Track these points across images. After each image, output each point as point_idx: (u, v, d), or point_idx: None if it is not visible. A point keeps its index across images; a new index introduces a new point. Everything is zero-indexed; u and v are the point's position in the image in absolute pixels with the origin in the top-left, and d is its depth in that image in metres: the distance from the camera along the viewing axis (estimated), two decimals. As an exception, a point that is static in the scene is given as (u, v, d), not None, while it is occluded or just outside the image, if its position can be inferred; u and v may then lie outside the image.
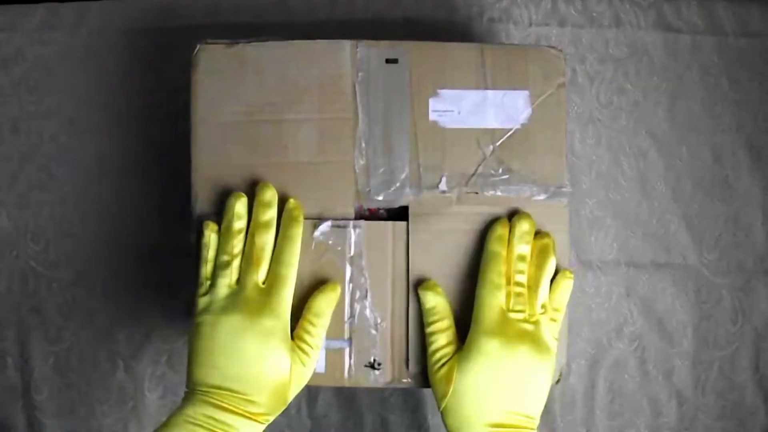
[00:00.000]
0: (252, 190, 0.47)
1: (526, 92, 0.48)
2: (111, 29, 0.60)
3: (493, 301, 0.44)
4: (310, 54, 0.47)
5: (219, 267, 0.44)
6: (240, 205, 0.45)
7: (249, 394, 0.41)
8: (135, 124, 0.59)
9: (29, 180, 0.59)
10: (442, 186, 0.47)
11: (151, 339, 0.59)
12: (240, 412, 0.41)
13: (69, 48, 0.59)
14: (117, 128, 0.59)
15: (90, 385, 0.59)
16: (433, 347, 0.45)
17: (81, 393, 0.58)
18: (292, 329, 0.44)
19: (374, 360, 0.47)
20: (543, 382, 0.44)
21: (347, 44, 0.48)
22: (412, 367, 0.47)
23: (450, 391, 0.43)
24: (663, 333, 0.59)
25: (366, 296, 0.47)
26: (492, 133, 0.48)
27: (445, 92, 0.48)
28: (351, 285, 0.47)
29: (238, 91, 0.47)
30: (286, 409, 0.57)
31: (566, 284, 0.47)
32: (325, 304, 0.46)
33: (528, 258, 0.46)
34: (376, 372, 0.47)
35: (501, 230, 0.46)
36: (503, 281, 0.45)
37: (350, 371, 0.47)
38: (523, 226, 0.46)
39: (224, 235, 0.45)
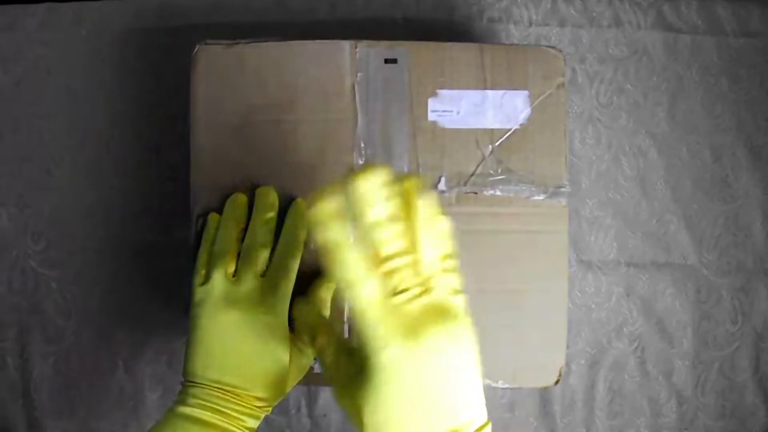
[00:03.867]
0: (251, 190, 0.47)
1: (526, 92, 0.48)
2: (111, 29, 0.60)
3: (363, 299, 0.33)
4: (310, 54, 0.47)
5: (215, 257, 0.44)
6: (241, 202, 0.46)
7: (247, 388, 0.42)
8: (135, 124, 0.59)
9: (29, 180, 0.59)
10: (441, 186, 0.47)
11: (151, 339, 0.59)
12: (238, 403, 0.41)
13: (69, 48, 0.59)
14: (117, 128, 0.59)
15: (90, 385, 0.59)
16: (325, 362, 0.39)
17: (81, 393, 0.59)
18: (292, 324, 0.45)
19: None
20: (469, 363, 0.35)
21: (346, 44, 0.48)
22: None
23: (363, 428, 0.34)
24: (663, 333, 0.59)
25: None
26: (491, 134, 0.48)
27: (444, 92, 0.48)
28: (350, 285, 0.47)
29: (237, 91, 0.47)
30: (286, 409, 0.58)
31: (438, 220, 0.36)
32: (323, 295, 0.46)
33: (385, 219, 0.34)
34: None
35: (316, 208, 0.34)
36: (363, 269, 0.33)
37: (349, 371, 0.47)
38: (360, 188, 0.33)
39: (223, 227, 0.45)
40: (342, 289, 0.33)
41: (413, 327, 0.33)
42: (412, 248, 0.34)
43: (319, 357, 0.40)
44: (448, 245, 0.36)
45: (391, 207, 0.33)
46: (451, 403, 0.34)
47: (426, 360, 0.33)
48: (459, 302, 0.35)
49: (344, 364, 0.37)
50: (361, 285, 0.33)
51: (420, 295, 0.34)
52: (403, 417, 0.33)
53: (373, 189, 0.33)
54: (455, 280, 0.36)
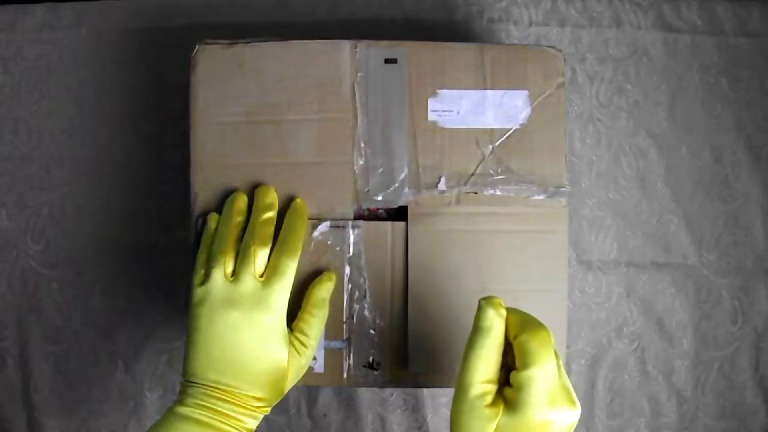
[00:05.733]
0: (251, 190, 0.47)
1: (526, 92, 0.48)
2: (111, 29, 0.60)
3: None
4: (310, 54, 0.47)
5: (214, 257, 0.44)
6: (240, 202, 0.46)
7: (245, 389, 0.42)
8: (135, 124, 0.59)
9: (29, 180, 0.59)
10: (441, 186, 0.47)
11: (151, 339, 0.59)
12: (237, 404, 0.41)
13: (69, 48, 0.60)
14: (117, 128, 0.59)
15: (90, 385, 0.59)
16: (473, 377, 0.38)
17: (81, 393, 0.59)
18: (291, 323, 0.45)
19: (373, 360, 0.47)
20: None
21: (346, 44, 0.48)
22: (411, 367, 0.47)
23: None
24: (663, 333, 0.59)
25: (365, 296, 0.47)
26: (491, 133, 0.48)
27: (444, 92, 0.48)
28: (350, 285, 0.47)
29: (237, 91, 0.47)
30: (286, 409, 0.58)
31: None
32: (321, 294, 0.46)
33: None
34: (375, 372, 0.47)
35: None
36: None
37: (349, 371, 0.47)
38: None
39: (222, 227, 0.45)
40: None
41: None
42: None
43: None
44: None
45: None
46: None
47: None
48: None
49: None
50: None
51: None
52: None
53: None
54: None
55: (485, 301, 0.38)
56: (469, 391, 0.37)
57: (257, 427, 0.43)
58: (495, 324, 0.38)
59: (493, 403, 0.37)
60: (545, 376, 0.36)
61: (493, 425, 0.36)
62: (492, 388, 0.37)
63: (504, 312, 0.38)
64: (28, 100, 0.59)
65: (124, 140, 0.59)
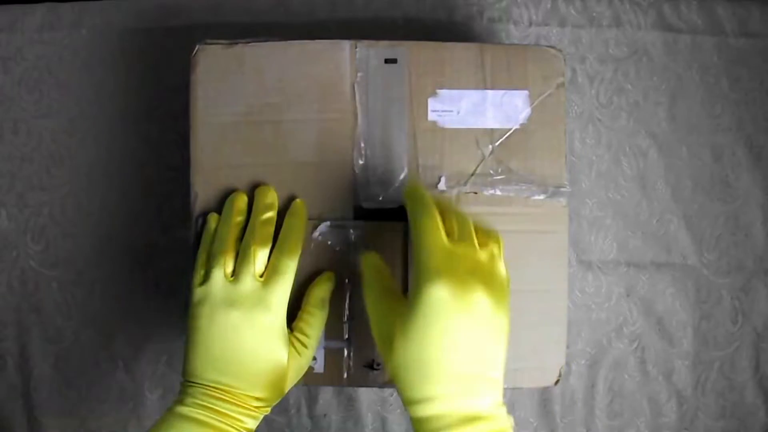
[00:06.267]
0: (251, 190, 0.47)
1: (526, 92, 0.48)
2: (111, 29, 0.60)
3: (435, 239, 0.38)
4: (310, 54, 0.47)
5: (214, 257, 0.44)
6: (240, 202, 0.46)
7: (245, 389, 0.42)
8: (135, 124, 0.59)
9: (29, 180, 0.59)
10: (441, 186, 0.47)
11: (151, 339, 0.59)
12: (236, 404, 0.41)
13: (69, 48, 0.60)
14: (117, 128, 0.59)
15: (90, 385, 0.59)
16: (369, 307, 0.42)
17: (81, 393, 0.59)
18: (291, 324, 0.45)
19: (373, 360, 0.47)
20: (501, 332, 0.39)
21: (346, 44, 0.48)
22: (412, 367, 0.47)
23: (392, 357, 0.38)
24: (663, 333, 0.59)
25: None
26: (491, 133, 0.48)
27: (444, 92, 0.48)
28: (350, 285, 0.47)
29: (237, 91, 0.47)
30: (286, 409, 0.58)
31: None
32: (321, 294, 0.46)
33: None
34: (375, 372, 0.47)
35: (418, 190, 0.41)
36: (438, 219, 0.39)
37: (349, 371, 0.47)
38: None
39: (222, 227, 0.45)
40: (417, 231, 0.39)
41: (465, 279, 0.37)
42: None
43: (366, 295, 0.42)
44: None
45: None
46: (480, 355, 0.37)
47: (468, 309, 0.37)
48: (507, 279, 0.40)
49: (389, 302, 0.41)
50: (436, 229, 0.39)
51: (481, 250, 0.39)
52: (432, 348, 0.37)
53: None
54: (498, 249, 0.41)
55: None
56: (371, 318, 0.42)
57: (257, 427, 0.43)
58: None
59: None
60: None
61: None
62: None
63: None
64: (28, 100, 0.59)
65: (124, 140, 0.59)
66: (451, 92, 0.48)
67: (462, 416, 0.36)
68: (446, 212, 0.41)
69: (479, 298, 0.37)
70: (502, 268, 0.40)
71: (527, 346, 0.48)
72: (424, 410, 0.37)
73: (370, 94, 0.48)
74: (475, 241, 0.40)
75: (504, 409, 0.38)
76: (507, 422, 0.38)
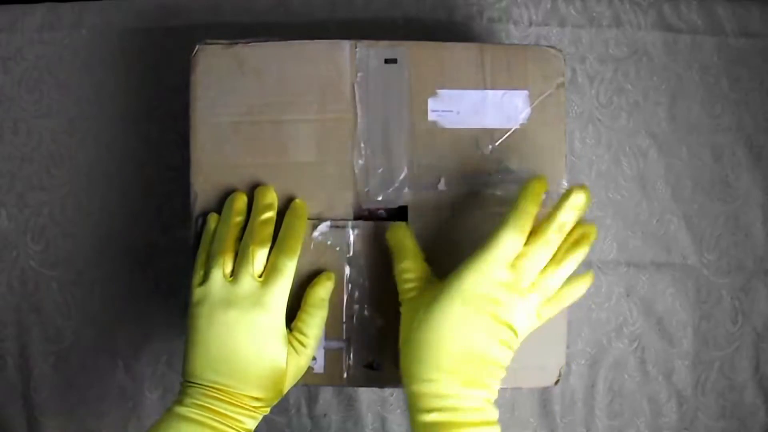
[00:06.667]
0: (251, 190, 0.47)
1: (526, 92, 0.48)
2: (111, 29, 0.60)
3: (504, 251, 0.41)
4: (309, 54, 0.47)
5: (213, 257, 0.44)
6: (240, 202, 0.46)
7: (244, 389, 0.42)
8: (135, 124, 0.59)
9: (29, 180, 0.59)
10: (441, 186, 0.47)
11: (151, 339, 0.59)
12: (235, 404, 0.41)
13: (69, 48, 0.60)
14: (117, 128, 0.59)
15: (90, 385, 0.59)
16: (402, 286, 0.44)
17: (81, 393, 0.59)
18: (291, 324, 0.45)
19: (373, 360, 0.47)
20: (509, 349, 0.41)
21: (346, 44, 0.48)
22: (412, 367, 0.47)
23: (414, 325, 0.41)
24: (663, 333, 0.59)
25: (365, 296, 0.47)
26: (491, 133, 0.48)
27: (444, 92, 0.48)
28: (350, 285, 0.47)
29: (237, 91, 0.47)
30: (286, 409, 0.58)
31: (584, 282, 0.44)
32: (321, 294, 0.46)
33: (565, 232, 0.42)
34: (375, 372, 0.47)
35: (539, 188, 0.42)
36: (524, 240, 0.41)
37: (349, 372, 0.47)
38: (579, 198, 0.41)
39: (221, 228, 0.45)
40: (493, 238, 0.41)
41: (495, 296, 0.40)
42: (552, 265, 0.41)
43: (398, 277, 0.45)
44: (568, 299, 0.43)
45: (572, 221, 0.41)
46: (486, 345, 0.40)
47: (485, 314, 0.40)
48: (526, 329, 0.42)
49: (421, 282, 0.44)
50: (519, 235, 0.40)
51: (521, 290, 0.41)
52: (449, 333, 0.40)
53: (579, 209, 0.41)
54: (544, 317, 0.43)
55: (389, 230, 0.46)
56: (403, 299, 0.44)
57: (257, 427, 0.43)
58: (405, 238, 0.45)
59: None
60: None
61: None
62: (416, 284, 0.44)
63: (408, 231, 0.46)
64: (28, 100, 0.59)
65: (124, 140, 0.59)
66: (451, 92, 0.48)
67: (455, 404, 0.40)
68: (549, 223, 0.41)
69: (495, 315, 0.40)
70: (529, 315, 0.42)
71: (527, 346, 0.47)
72: (423, 387, 0.40)
73: (370, 94, 0.48)
74: (527, 280, 0.41)
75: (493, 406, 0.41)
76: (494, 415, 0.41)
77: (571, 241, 0.42)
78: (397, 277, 0.45)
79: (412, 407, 0.41)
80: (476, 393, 0.40)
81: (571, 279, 0.43)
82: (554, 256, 0.42)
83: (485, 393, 0.40)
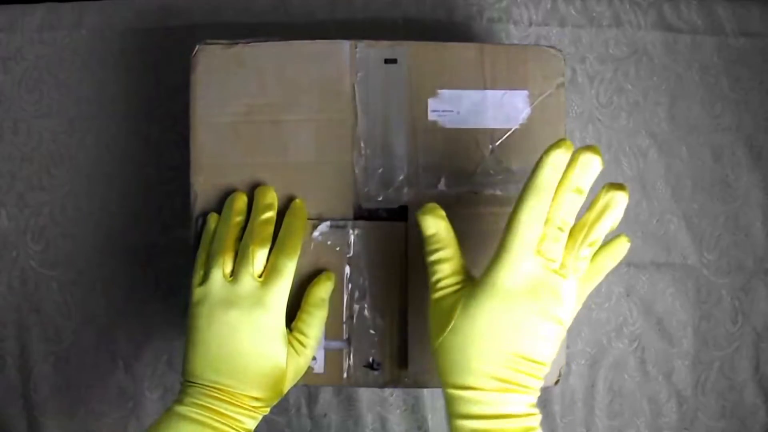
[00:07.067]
0: (251, 190, 0.47)
1: (526, 92, 0.48)
2: (111, 29, 0.60)
3: (528, 235, 0.38)
4: (309, 54, 0.47)
5: (213, 257, 0.44)
6: (240, 202, 0.46)
7: (244, 389, 0.42)
8: (135, 125, 0.59)
9: (29, 180, 0.59)
10: (441, 186, 0.47)
11: (151, 339, 0.59)
12: (235, 404, 0.41)
13: (69, 48, 0.60)
14: (117, 128, 0.59)
15: (90, 384, 0.59)
16: (435, 277, 0.41)
17: (81, 393, 0.59)
18: (291, 324, 0.45)
19: (373, 360, 0.47)
20: (555, 340, 0.39)
21: (346, 44, 0.48)
22: (411, 367, 0.47)
23: (450, 327, 0.39)
24: (663, 333, 0.59)
25: (365, 296, 0.47)
26: (491, 133, 0.48)
27: (444, 92, 0.48)
28: (350, 285, 0.47)
29: (237, 91, 0.47)
30: (286, 409, 0.58)
31: (621, 248, 0.42)
32: (321, 293, 0.46)
33: (584, 196, 0.39)
34: (375, 372, 0.47)
35: (559, 156, 0.38)
36: (544, 217, 0.38)
37: (349, 371, 0.47)
38: (588, 159, 0.38)
39: (221, 228, 0.45)
40: (520, 213, 0.38)
41: (536, 286, 0.38)
42: (581, 236, 0.39)
43: (431, 267, 0.42)
44: (605, 268, 0.42)
45: (587, 185, 0.39)
46: (529, 343, 0.38)
47: (527, 309, 0.38)
48: (572, 312, 0.40)
49: (456, 277, 0.41)
50: (536, 224, 0.38)
51: (557, 272, 0.39)
52: (490, 325, 0.38)
53: (591, 169, 0.38)
54: (584, 292, 0.41)
55: (421, 212, 0.42)
56: (434, 293, 0.41)
57: (257, 427, 0.43)
58: (440, 227, 0.41)
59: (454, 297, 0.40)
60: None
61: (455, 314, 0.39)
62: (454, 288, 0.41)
63: (442, 212, 0.42)
64: (28, 100, 0.59)
65: (124, 140, 0.59)
66: (451, 92, 0.48)
67: (497, 411, 0.38)
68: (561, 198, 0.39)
69: (539, 307, 0.38)
70: (569, 296, 0.39)
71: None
72: (463, 392, 0.38)
73: (370, 94, 0.48)
74: (559, 261, 0.39)
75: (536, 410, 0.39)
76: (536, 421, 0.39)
77: (599, 209, 0.39)
78: (430, 267, 0.41)
79: (451, 411, 0.39)
80: (519, 398, 0.38)
81: (603, 248, 0.41)
82: (579, 225, 0.39)
83: (528, 397, 0.38)
